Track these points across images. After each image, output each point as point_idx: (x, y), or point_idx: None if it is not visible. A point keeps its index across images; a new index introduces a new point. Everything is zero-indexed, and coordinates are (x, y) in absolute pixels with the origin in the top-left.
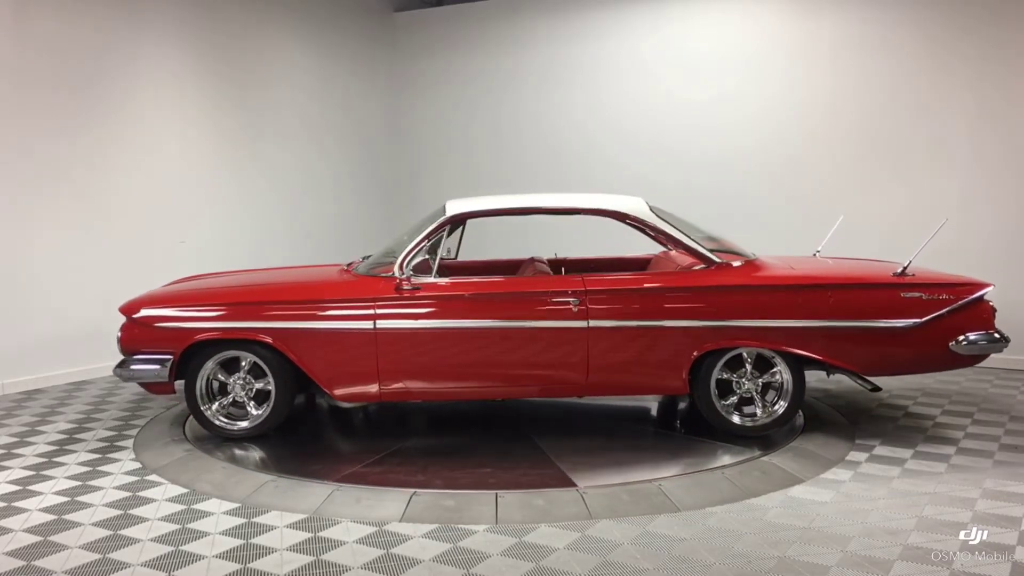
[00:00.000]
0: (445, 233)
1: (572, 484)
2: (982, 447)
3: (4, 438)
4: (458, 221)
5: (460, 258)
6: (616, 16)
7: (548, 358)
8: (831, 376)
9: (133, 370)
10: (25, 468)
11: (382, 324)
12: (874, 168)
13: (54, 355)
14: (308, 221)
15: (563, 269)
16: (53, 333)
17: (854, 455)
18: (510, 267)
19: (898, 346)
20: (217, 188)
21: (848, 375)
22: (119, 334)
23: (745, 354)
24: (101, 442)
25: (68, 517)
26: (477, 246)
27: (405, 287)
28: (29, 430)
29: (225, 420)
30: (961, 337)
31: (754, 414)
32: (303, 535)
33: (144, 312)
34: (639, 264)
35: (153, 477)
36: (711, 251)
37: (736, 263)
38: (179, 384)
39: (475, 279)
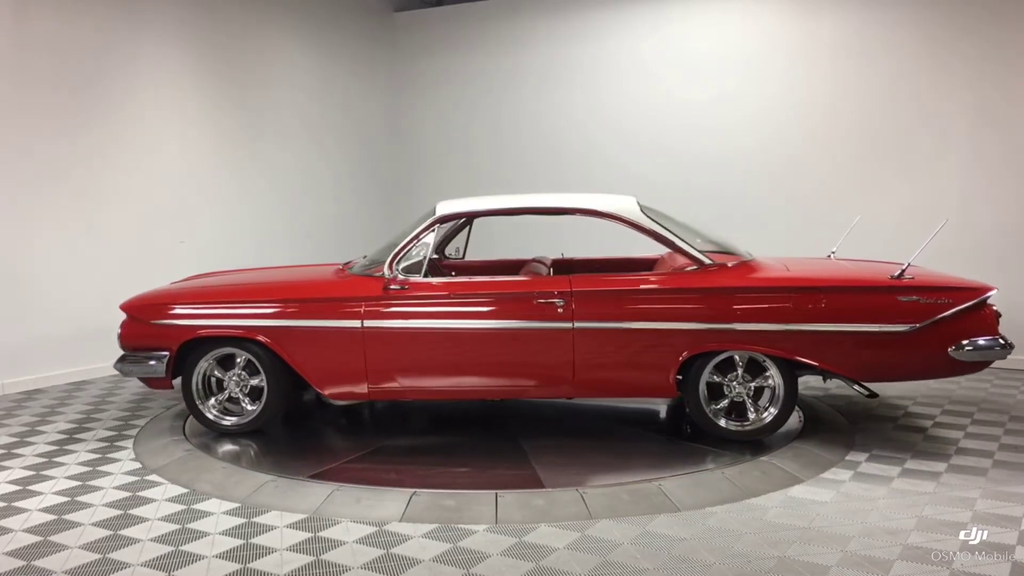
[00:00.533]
0: (434, 233)
1: (541, 485)
2: (982, 447)
3: (4, 438)
4: (447, 220)
5: (468, 258)
6: (616, 16)
7: (533, 359)
8: (827, 382)
9: (132, 366)
10: (25, 468)
11: (369, 323)
12: (874, 168)
13: (54, 355)
14: (308, 221)
15: (571, 269)
16: (53, 333)
17: (854, 455)
18: (514, 267)
19: (894, 352)
20: (217, 188)
21: (843, 381)
22: (119, 330)
23: (737, 357)
24: (101, 442)
25: (68, 517)
26: (486, 246)
27: (392, 287)
28: (29, 430)
29: (216, 414)
30: (961, 343)
31: (746, 418)
32: (303, 535)
33: (142, 309)
34: (645, 265)
35: (153, 477)
36: (703, 252)
37: (731, 264)
38: (179, 381)
39: (462, 279)
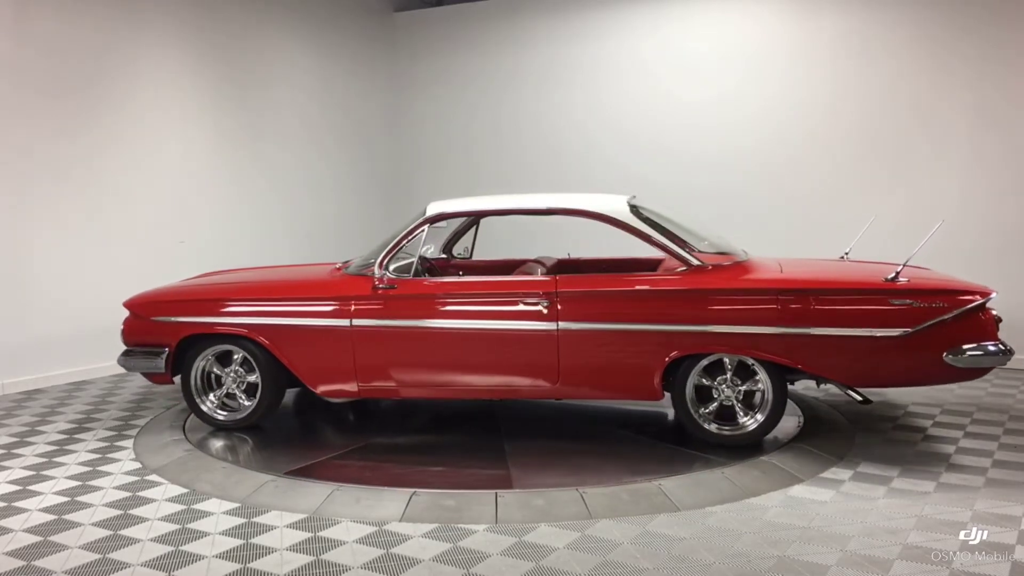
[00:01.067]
0: (425, 233)
1: (541, 485)
2: (981, 447)
3: (4, 438)
4: (437, 220)
5: (475, 257)
6: (616, 16)
7: (518, 360)
8: (821, 387)
9: (134, 360)
10: (25, 468)
11: (358, 322)
12: (874, 168)
13: (54, 355)
14: (308, 221)
15: (576, 270)
16: (53, 333)
17: (854, 454)
18: (516, 267)
19: (886, 357)
20: (217, 188)
21: (836, 386)
22: (122, 326)
23: (726, 360)
24: (101, 442)
25: (68, 517)
26: (496, 246)
27: (380, 286)
28: (29, 430)
29: (213, 409)
30: (958, 349)
31: (735, 423)
32: (303, 535)
33: (143, 306)
34: (650, 265)
35: (153, 477)
36: (693, 253)
37: (724, 264)
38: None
39: (448, 279)
